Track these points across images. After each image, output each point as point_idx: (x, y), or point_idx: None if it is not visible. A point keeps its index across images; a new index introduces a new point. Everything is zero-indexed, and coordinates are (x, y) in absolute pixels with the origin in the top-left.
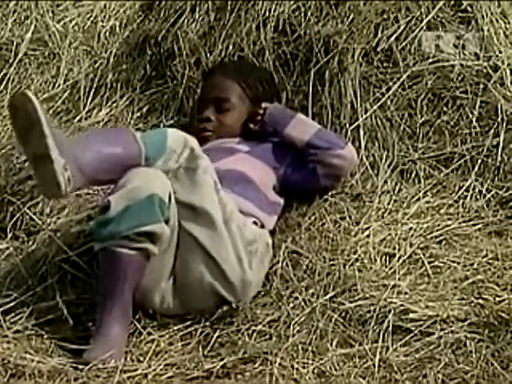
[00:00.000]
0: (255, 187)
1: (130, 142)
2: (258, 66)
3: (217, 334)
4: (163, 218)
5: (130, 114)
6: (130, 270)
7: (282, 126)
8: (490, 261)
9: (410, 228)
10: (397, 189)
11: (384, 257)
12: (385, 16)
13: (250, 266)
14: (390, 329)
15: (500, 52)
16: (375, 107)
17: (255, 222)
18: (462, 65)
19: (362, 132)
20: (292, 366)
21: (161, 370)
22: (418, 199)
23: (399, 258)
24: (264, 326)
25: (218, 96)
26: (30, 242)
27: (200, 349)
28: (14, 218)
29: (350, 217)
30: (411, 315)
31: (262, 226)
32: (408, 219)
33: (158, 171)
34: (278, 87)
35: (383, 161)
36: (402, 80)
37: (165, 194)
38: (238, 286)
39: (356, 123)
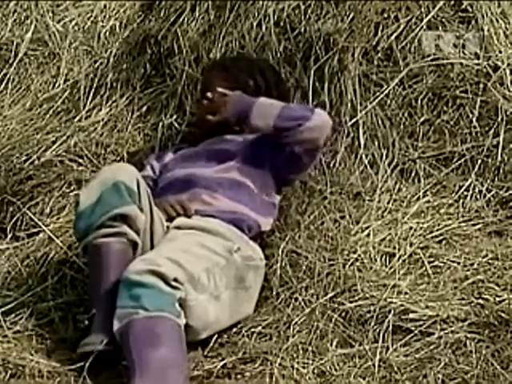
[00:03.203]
0: (249, 191)
1: None
2: (255, 59)
3: (217, 334)
4: (133, 203)
5: (129, 113)
6: (114, 259)
7: (244, 116)
8: (490, 261)
9: (410, 228)
10: (397, 188)
11: (384, 256)
12: (385, 15)
13: (243, 305)
14: (390, 329)
15: (500, 52)
16: (374, 103)
17: (244, 228)
18: (462, 64)
19: (361, 131)
20: (292, 366)
21: None
22: (418, 198)
23: (399, 257)
24: (264, 326)
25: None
26: (30, 242)
27: (200, 349)
28: (14, 218)
29: (350, 216)
30: (411, 315)
31: (259, 227)
32: (408, 219)
33: (126, 164)
34: (273, 82)
35: (383, 160)
36: (401, 76)
37: (130, 181)
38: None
39: (355, 119)
